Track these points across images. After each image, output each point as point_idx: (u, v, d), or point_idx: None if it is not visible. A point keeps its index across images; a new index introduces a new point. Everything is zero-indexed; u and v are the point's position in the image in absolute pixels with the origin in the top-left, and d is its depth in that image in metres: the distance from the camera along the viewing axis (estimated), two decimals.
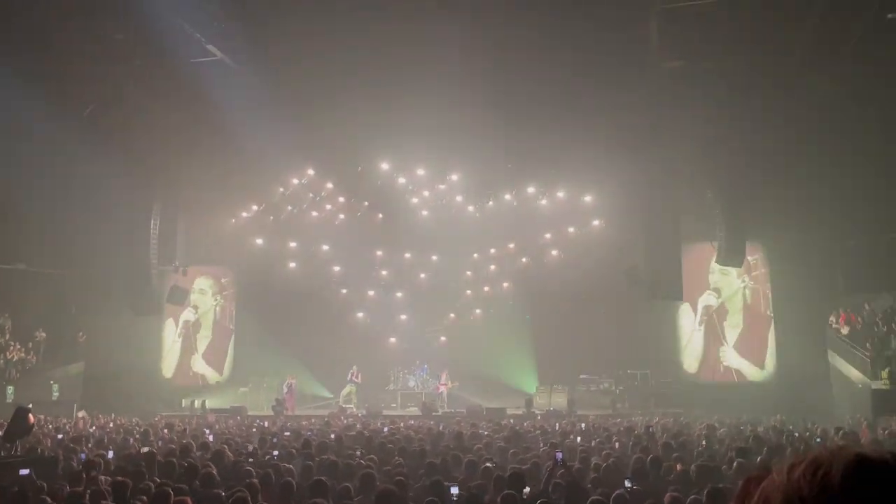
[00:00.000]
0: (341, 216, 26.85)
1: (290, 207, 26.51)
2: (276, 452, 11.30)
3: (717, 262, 23.62)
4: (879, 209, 21.57)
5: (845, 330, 22.63)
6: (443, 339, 27.26)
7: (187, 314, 28.85)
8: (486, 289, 27.10)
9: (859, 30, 16.56)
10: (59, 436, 14.87)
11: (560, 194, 24.62)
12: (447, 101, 19.08)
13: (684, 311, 25.61)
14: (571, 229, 25.32)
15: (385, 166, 25.02)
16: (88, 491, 7.73)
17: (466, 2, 16.30)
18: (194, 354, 28.82)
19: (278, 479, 8.09)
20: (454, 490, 7.51)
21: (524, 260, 26.43)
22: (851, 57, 17.54)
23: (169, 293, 26.50)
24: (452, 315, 27.34)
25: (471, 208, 25.70)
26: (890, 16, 16.00)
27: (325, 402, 26.17)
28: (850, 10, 16.17)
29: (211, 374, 28.48)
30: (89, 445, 12.99)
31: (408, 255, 26.96)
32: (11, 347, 25.89)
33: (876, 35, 16.71)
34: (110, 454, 11.55)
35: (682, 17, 16.61)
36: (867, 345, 21.43)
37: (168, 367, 28.75)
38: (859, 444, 11.88)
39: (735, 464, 9.21)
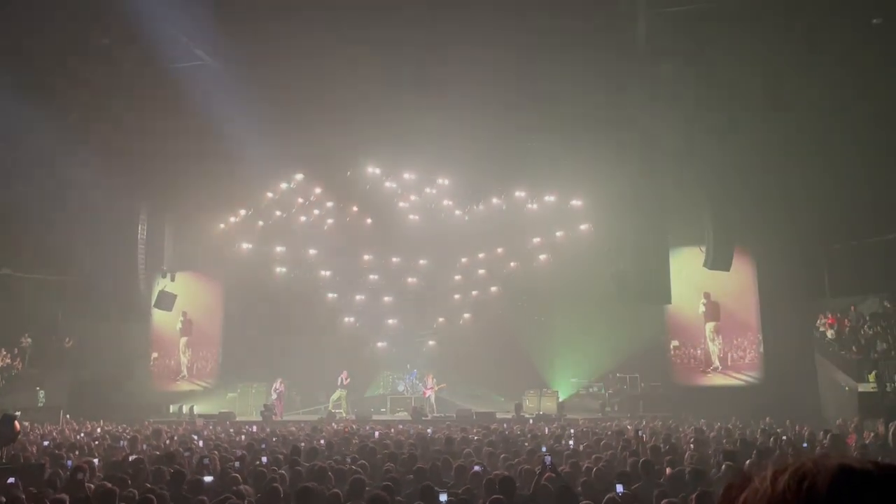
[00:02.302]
0: (330, 221, 26.82)
1: (278, 212, 26.45)
2: (264, 458, 11.24)
3: (704, 266, 23.70)
4: (865, 213, 21.72)
5: (832, 333, 22.77)
6: (431, 343, 27.26)
7: (175, 320, 28.66)
8: (474, 293, 27.12)
9: (846, 35, 16.69)
10: (46, 443, 14.74)
11: (548, 198, 24.66)
12: (436, 105, 19.13)
13: (671, 314, 25.69)
14: (560, 233, 25.38)
15: (373, 170, 25.01)
16: (75, 498, 7.67)
17: (455, 7, 16.31)
18: (182, 360, 28.65)
19: (266, 485, 8.04)
20: (443, 497, 7.48)
21: (513, 264, 26.46)
22: (838, 62, 17.67)
23: (156, 299, 26.37)
24: (441, 319, 27.35)
25: (459, 212, 25.72)
26: (875, 21, 16.14)
27: (315, 408, 26.08)
28: (837, 16, 16.29)
29: (198, 380, 28.32)
30: (76, 452, 12.89)
31: (396, 260, 26.94)
32: None
33: (862, 40, 16.85)
34: (96, 461, 11.46)
35: (670, 21, 16.70)
36: (854, 348, 21.56)
37: (156, 372, 28.56)
38: (846, 448, 11.97)
39: (723, 467, 9.24)
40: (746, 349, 25.10)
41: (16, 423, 11.63)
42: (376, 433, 15.96)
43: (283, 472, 9.45)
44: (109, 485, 7.99)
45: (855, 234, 22.49)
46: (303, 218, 26.71)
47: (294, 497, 7.46)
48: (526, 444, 13.24)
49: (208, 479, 9.28)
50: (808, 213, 22.25)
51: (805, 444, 12.48)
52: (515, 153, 23.01)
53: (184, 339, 28.69)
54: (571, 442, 13.66)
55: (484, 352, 25.61)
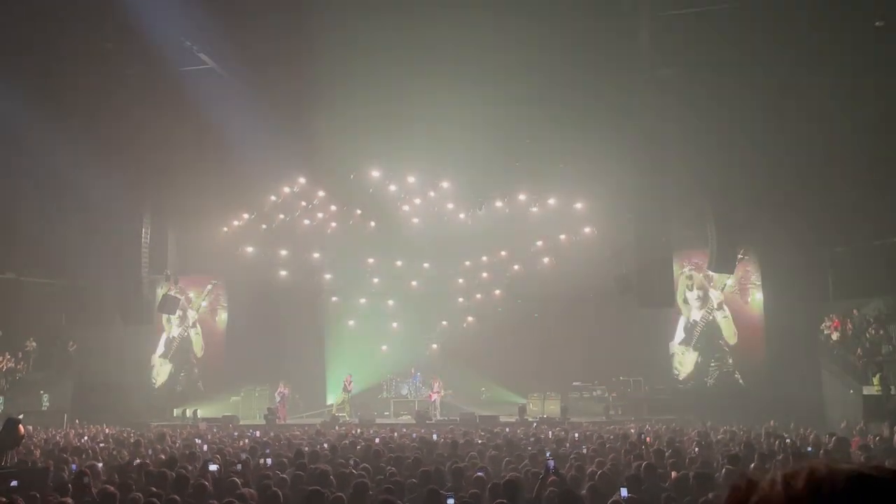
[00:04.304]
0: (333, 224, 26.83)
1: (281, 216, 26.48)
2: (269, 461, 11.24)
3: (708, 268, 23.72)
4: (868, 215, 21.68)
5: (836, 336, 22.71)
6: (434, 346, 27.27)
7: (178, 323, 28.71)
8: (477, 296, 27.12)
9: (848, 38, 16.67)
10: (49, 448, 14.74)
11: (551, 201, 24.65)
12: (439, 108, 19.14)
13: (676, 317, 25.67)
14: (563, 236, 25.37)
15: (377, 174, 25.02)
16: (79, 502, 7.68)
17: (458, 10, 16.33)
18: (184, 363, 28.66)
19: (269, 490, 8.03)
20: (451, 501, 7.46)
21: (516, 267, 26.46)
22: (841, 65, 17.65)
23: (160, 302, 26.40)
24: (444, 322, 27.35)
25: (462, 216, 25.72)
26: (878, 24, 16.12)
27: (318, 411, 26.07)
28: (840, 19, 16.28)
29: (201, 383, 28.33)
30: (83, 456, 12.90)
31: (399, 263, 26.95)
32: (1, 357, 25.71)
33: (865, 43, 16.83)
34: (100, 465, 11.47)
35: (674, 25, 16.70)
36: (858, 350, 21.50)
37: (159, 375, 28.57)
38: (850, 451, 11.91)
39: (724, 470, 9.21)
40: (750, 352, 25.03)
41: (20, 426, 11.65)
42: (377, 439, 15.90)
43: (285, 476, 9.44)
44: (112, 489, 7.99)
45: (859, 237, 22.44)
46: (306, 221, 26.74)
47: (302, 501, 7.46)
48: (529, 447, 13.20)
49: (213, 467, 9.51)
50: (812, 215, 22.22)
51: (809, 448, 12.42)
52: (518, 156, 23.00)
53: (187, 343, 28.73)
54: (584, 448, 13.47)
55: (487, 355, 25.60)
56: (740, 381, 24.79)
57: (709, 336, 25.31)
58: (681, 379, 25.30)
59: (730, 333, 25.11)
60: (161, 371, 28.57)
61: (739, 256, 23.44)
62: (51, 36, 17.78)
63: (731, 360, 25.06)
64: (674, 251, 22.95)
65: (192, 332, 28.76)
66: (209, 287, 28.86)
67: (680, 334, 25.55)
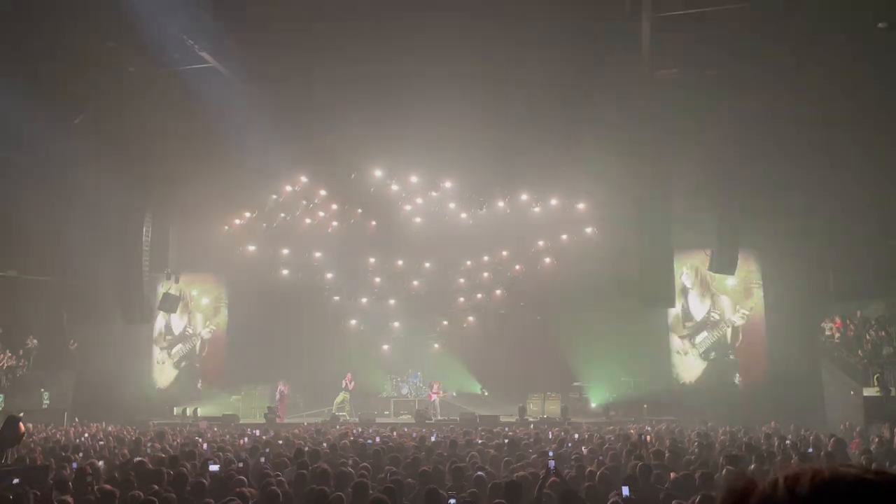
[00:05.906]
0: (334, 223, 26.83)
1: (283, 215, 26.48)
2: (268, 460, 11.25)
3: (709, 269, 23.71)
4: (871, 216, 21.67)
5: (837, 336, 22.70)
6: (436, 346, 27.26)
7: (178, 322, 28.70)
8: (478, 296, 27.11)
9: (851, 39, 16.66)
10: (50, 446, 14.76)
11: (553, 202, 24.64)
12: (440, 108, 19.13)
13: (677, 317, 25.66)
14: (564, 237, 25.35)
15: (378, 173, 25.02)
16: (80, 500, 7.69)
17: (460, 11, 16.32)
18: (185, 362, 28.67)
19: (267, 488, 8.03)
20: (451, 502, 7.47)
21: (517, 267, 26.45)
22: (843, 67, 17.64)
23: (160, 301, 26.42)
24: (445, 322, 27.34)
25: (464, 215, 25.71)
26: (880, 25, 16.10)
27: (318, 410, 26.06)
28: (842, 20, 16.26)
29: (202, 382, 28.33)
30: (80, 454, 12.92)
31: (401, 263, 26.94)
32: (2, 355, 25.74)
33: (867, 44, 16.82)
34: (101, 463, 11.49)
35: (675, 25, 16.67)
36: (859, 352, 21.48)
37: (159, 374, 28.58)
38: (847, 453, 11.91)
39: (724, 471, 9.21)
40: (751, 353, 25.02)
41: (20, 424, 11.66)
42: (377, 438, 15.91)
43: (284, 475, 9.45)
44: (112, 487, 8.00)
45: (861, 238, 22.41)
46: (307, 220, 26.74)
47: (301, 500, 7.47)
48: (530, 449, 13.20)
49: (214, 467, 9.56)
50: (814, 216, 22.19)
51: (810, 449, 12.41)
52: (520, 157, 22.98)
53: (187, 342, 28.74)
54: (584, 449, 13.46)
55: (487, 355, 25.59)
56: (738, 381, 24.78)
57: (716, 342, 25.30)
58: (682, 383, 25.24)
59: (737, 338, 25.15)
60: (162, 369, 28.60)
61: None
62: (51, 33, 17.77)
63: (731, 359, 25.09)
64: (674, 251, 22.91)
65: (192, 331, 28.78)
66: (211, 286, 28.91)
67: (679, 330, 25.53)
